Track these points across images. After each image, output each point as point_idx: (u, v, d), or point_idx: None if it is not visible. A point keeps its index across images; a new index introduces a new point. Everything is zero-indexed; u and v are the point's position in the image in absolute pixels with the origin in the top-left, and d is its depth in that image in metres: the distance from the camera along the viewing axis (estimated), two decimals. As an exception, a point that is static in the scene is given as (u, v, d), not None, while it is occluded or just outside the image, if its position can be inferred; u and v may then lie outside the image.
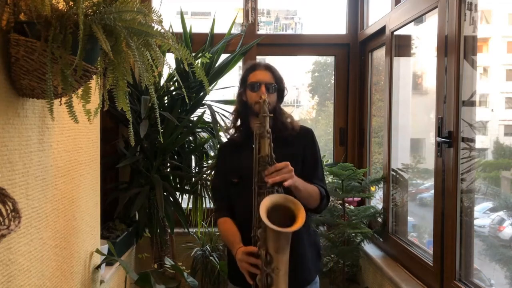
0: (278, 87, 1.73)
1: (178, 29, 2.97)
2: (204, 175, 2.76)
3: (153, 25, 1.19)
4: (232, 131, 1.86)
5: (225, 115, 2.90)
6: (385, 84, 2.72)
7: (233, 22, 3.11)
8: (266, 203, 1.42)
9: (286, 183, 1.48)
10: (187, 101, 2.64)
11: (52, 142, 1.47)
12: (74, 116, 1.21)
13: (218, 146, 1.99)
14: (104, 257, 2.06)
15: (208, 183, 2.76)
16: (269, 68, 1.75)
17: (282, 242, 1.41)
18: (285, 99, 1.85)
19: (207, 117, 2.81)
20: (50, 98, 1.11)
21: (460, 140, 1.88)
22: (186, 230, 2.80)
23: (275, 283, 1.42)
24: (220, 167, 1.86)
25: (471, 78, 1.92)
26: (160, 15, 1.22)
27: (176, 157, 2.85)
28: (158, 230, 2.70)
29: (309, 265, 1.72)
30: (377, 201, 3.01)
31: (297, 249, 1.60)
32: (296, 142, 1.74)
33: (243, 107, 1.77)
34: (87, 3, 1.12)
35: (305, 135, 1.78)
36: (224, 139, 2.84)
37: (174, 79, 2.82)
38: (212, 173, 2.72)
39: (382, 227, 2.70)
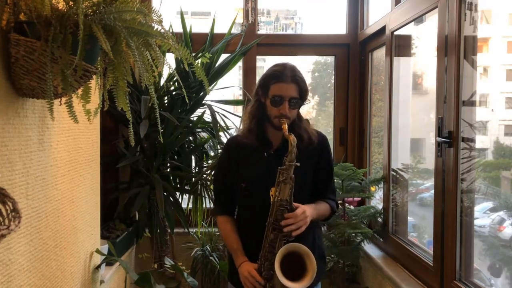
0: (301, 101, 1.65)
1: (178, 29, 2.97)
2: (204, 175, 2.76)
3: (153, 25, 1.19)
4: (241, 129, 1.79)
5: (225, 115, 2.90)
6: (385, 84, 2.72)
7: (233, 22, 3.11)
8: (282, 252, 1.52)
9: (299, 231, 1.53)
10: (187, 101, 2.64)
11: (52, 142, 1.47)
12: (74, 116, 1.21)
13: (226, 141, 1.91)
14: (104, 257, 2.06)
15: (208, 183, 2.76)
16: (295, 80, 1.60)
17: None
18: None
19: (207, 117, 2.81)
20: (50, 98, 1.11)
21: (460, 140, 1.88)
22: (186, 230, 2.79)
23: None
24: (225, 164, 1.78)
25: (471, 78, 1.92)
26: (160, 15, 1.22)
27: (176, 157, 2.85)
28: (158, 230, 2.70)
29: None
30: (377, 201, 3.01)
31: None
32: (310, 152, 1.69)
33: (260, 111, 1.68)
34: (87, 3, 1.12)
35: (320, 146, 1.72)
36: (224, 139, 2.84)
37: (174, 79, 2.81)
38: (212, 173, 2.72)
39: (382, 227, 2.70)
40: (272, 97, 1.61)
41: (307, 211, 1.57)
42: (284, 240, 1.55)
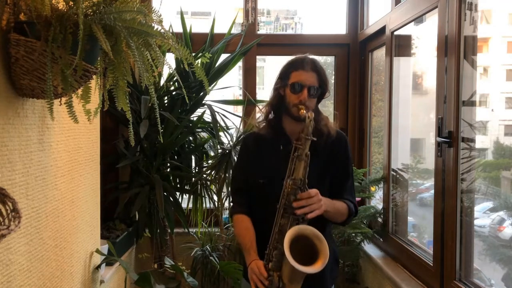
0: (321, 91, 1.61)
1: (178, 29, 2.97)
2: (204, 175, 2.76)
3: (153, 25, 1.19)
4: (260, 122, 1.73)
5: (225, 115, 2.90)
6: (385, 84, 2.72)
7: (233, 22, 3.11)
8: (291, 233, 1.40)
9: (313, 214, 1.44)
10: (187, 101, 2.64)
11: (52, 142, 1.47)
12: (74, 116, 1.21)
13: (242, 138, 1.83)
14: (104, 257, 2.06)
15: (208, 183, 2.76)
16: (315, 69, 1.59)
17: (298, 275, 1.41)
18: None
19: (207, 117, 2.81)
20: (50, 98, 1.11)
21: (460, 140, 1.88)
22: (186, 230, 2.80)
23: None
24: (243, 161, 1.75)
25: (471, 78, 1.92)
26: (160, 15, 1.22)
27: (176, 157, 2.85)
28: (158, 230, 2.70)
29: (326, 275, 1.66)
30: (377, 201, 3.01)
31: None
32: (328, 150, 1.63)
33: (279, 102, 1.65)
34: (87, 3, 1.12)
35: (339, 143, 1.67)
36: (224, 139, 2.84)
37: (174, 79, 2.82)
38: (213, 173, 2.72)
39: (382, 227, 2.70)
40: (292, 84, 1.58)
41: (320, 196, 1.47)
42: (295, 224, 1.45)
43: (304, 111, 1.50)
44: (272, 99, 1.69)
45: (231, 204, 1.79)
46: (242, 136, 2.74)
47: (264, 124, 1.70)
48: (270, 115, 1.70)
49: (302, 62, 1.60)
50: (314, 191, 1.46)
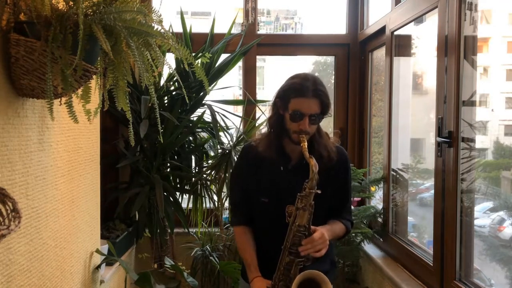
0: (323, 115, 1.56)
1: (178, 29, 2.97)
2: (204, 175, 2.76)
3: (153, 25, 1.19)
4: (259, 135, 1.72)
5: (225, 115, 2.90)
6: (385, 84, 2.73)
7: (233, 22, 3.11)
8: (300, 277, 1.46)
9: (318, 254, 1.48)
10: (187, 101, 2.64)
11: (52, 142, 1.47)
12: (74, 116, 1.21)
13: (242, 148, 1.81)
14: (104, 257, 2.06)
15: (208, 183, 2.76)
16: (316, 94, 1.50)
17: None
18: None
19: (207, 117, 2.82)
20: (50, 98, 1.11)
21: (460, 140, 1.88)
22: (186, 230, 2.80)
23: None
24: (244, 173, 1.71)
25: (471, 78, 1.92)
26: (160, 15, 1.22)
27: (176, 157, 2.85)
28: (158, 230, 2.70)
29: None
30: (377, 201, 3.01)
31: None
32: (328, 171, 1.60)
33: (278, 124, 1.60)
34: (87, 3, 1.12)
35: (338, 163, 1.64)
36: (224, 139, 2.84)
37: (174, 79, 2.82)
38: (213, 173, 2.73)
39: (382, 227, 2.70)
40: (292, 111, 1.52)
41: (325, 235, 1.50)
42: (300, 265, 1.49)
43: (306, 144, 1.49)
44: (272, 119, 1.64)
45: (231, 213, 1.80)
46: (241, 137, 2.75)
47: (264, 140, 1.66)
48: (270, 134, 1.66)
49: (303, 88, 1.51)
50: (318, 234, 1.48)
